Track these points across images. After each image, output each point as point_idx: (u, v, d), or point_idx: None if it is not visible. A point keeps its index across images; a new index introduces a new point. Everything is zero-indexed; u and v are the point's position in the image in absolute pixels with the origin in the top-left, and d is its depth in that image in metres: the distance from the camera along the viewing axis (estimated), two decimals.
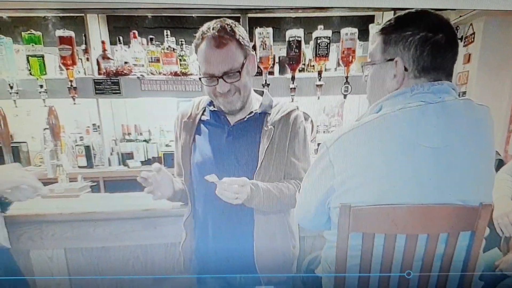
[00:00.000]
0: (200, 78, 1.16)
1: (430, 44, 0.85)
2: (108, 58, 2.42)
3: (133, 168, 2.80)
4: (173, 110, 2.80)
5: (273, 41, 2.19)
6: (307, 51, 2.45)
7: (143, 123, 3.00)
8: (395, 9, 1.87)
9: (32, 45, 2.13)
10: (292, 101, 2.28)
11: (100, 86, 2.35)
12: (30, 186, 1.19)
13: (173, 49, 2.38)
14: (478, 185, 0.91)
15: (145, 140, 2.94)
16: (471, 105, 0.90)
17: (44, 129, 2.68)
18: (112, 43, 2.68)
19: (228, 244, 1.25)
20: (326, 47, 2.20)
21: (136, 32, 2.47)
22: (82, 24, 2.48)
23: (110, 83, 2.35)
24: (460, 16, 2.36)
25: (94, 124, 2.81)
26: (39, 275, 1.48)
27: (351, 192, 0.90)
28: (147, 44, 2.51)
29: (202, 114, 1.28)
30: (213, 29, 1.10)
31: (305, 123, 1.30)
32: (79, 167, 2.77)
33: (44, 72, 2.20)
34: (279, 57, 2.44)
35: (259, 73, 2.23)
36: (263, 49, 2.17)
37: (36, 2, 2.24)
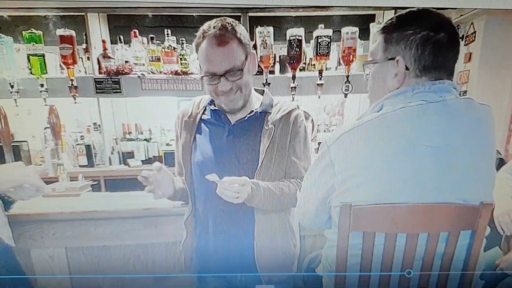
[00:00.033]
0: (202, 77, 1.15)
1: (432, 43, 0.85)
2: (109, 57, 2.42)
3: (133, 167, 2.80)
4: (173, 109, 2.79)
5: (274, 40, 2.19)
6: (308, 50, 2.45)
7: (143, 122, 3.00)
8: (395, 8, 1.86)
9: (33, 44, 2.13)
10: (293, 100, 2.28)
11: (101, 85, 2.35)
12: (33, 185, 1.19)
13: (174, 48, 2.38)
14: (478, 184, 0.91)
15: (145, 139, 2.94)
16: (472, 104, 0.89)
17: (45, 128, 2.68)
18: (113, 42, 2.68)
19: (228, 243, 1.25)
20: (326, 46, 2.20)
21: (136, 31, 2.47)
22: (83, 23, 2.48)
23: (110, 82, 2.35)
24: (461, 15, 2.36)
25: (94, 123, 2.80)
26: (40, 274, 1.48)
27: (351, 191, 0.90)
28: (148, 43, 2.51)
29: (203, 113, 1.28)
30: (214, 27, 1.10)
31: (305, 122, 1.30)
32: (80, 166, 2.77)
33: (45, 71, 2.20)
34: (279, 56, 2.43)
35: (260, 72, 2.23)
36: (264, 48, 2.17)
37: (37, 1, 2.25)
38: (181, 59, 2.39)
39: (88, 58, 2.52)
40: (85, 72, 2.50)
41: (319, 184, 0.97)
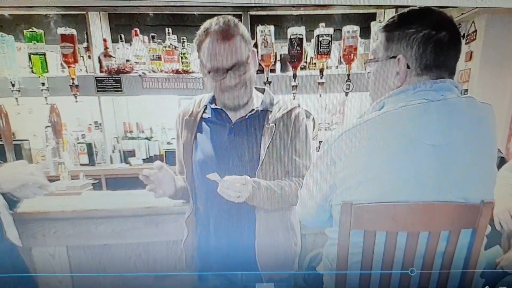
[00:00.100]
0: (207, 73, 1.15)
1: (433, 42, 0.85)
2: (110, 56, 2.43)
3: (134, 165, 2.80)
4: (174, 108, 2.78)
5: (275, 39, 2.19)
6: (309, 49, 2.45)
7: (144, 121, 3.00)
8: (397, 7, 1.87)
9: (34, 43, 2.13)
10: (294, 99, 2.28)
11: (102, 84, 2.35)
12: (37, 183, 1.19)
13: (175, 46, 2.39)
14: (479, 183, 0.90)
15: (146, 138, 2.94)
16: (473, 103, 0.89)
17: (46, 127, 2.69)
18: (114, 41, 2.68)
19: (229, 241, 1.25)
20: (327, 45, 2.20)
21: (137, 29, 2.47)
22: (84, 22, 2.48)
23: (111, 81, 2.35)
24: (462, 14, 2.35)
25: (96, 122, 2.81)
26: (41, 272, 1.48)
27: (352, 189, 0.90)
28: (149, 42, 2.51)
29: (204, 112, 1.28)
30: (216, 24, 1.10)
31: (306, 121, 1.30)
32: (81, 164, 2.78)
33: (46, 70, 2.20)
34: (280, 55, 2.43)
35: (261, 70, 2.23)
36: (265, 47, 2.17)
37: (38, 0, 2.25)
38: (182, 57, 2.39)
39: (89, 57, 2.52)
40: (86, 71, 2.51)
41: (320, 182, 0.97)
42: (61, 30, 2.13)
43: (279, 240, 1.26)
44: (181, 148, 1.29)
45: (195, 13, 2.64)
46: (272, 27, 2.16)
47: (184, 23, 2.88)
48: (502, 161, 1.42)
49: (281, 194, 1.19)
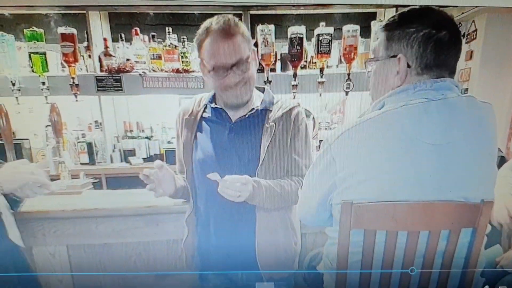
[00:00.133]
0: (209, 72, 1.15)
1: (434, 41, 0.85)
2: (110, 55, 2.43)
3: (135, 165, 2.80)
4: (174, 107, 2.79)
5: (275, 38, 2.19)
6: (309, 48, 2.44)
7: (145, 120, 3.00)
8: (397, 6, 1.87)
9: (34, 42, 2.13)
10: (294, 98, 2.28)
11: (102, 83, 2.36)
12: (39, 182, 1.19)
13: (175, 46, 2.39)
14: (480, 182, 0.91)
15: (147, 137, 2.94)
16: (474, 102, 0.89)
17: (46, 126, 2.69)
18: (114, 40, 2.68)
19: (230, 240, 1.25)
20: (328, 44, 2.20)
21: (138, 29, 2.47)
22: (84, 21, 2.48)
23: (112, 80, 2.35)
24: (462, 13, 2.35)
25: (96, 121, 2.81)
26: (41, 271, 1.48)
27: (353, 188, 0.90)
28: (149, 41, 2.51)
29: (204, 111, 1.28)
30: (217, 23, 1.10)
31: (306, 120, 1.30)
32: (81, 164, 2.78)
33: (46, 69, 2.20)
34: (281, 54, 2.43)
35: (261, 70, 2.23)
36: (265, 46, 2.17)
37: None
38: (182, 57, 2.39)
39: (90, 56, 2.52)
40: (87, 70, 2.51)
41: (320, 181, 0.97)
42: (61, 29, 2.14)
43: (279, 239, 1.26)
44: (181, 147, 1.29)
45: (195, 12, 2.64)
46: (272, 26, 2.16)
47: (184, 22, 2.88)
48: (502, 160, 1.42)
49: (281, 193, 1.19)
